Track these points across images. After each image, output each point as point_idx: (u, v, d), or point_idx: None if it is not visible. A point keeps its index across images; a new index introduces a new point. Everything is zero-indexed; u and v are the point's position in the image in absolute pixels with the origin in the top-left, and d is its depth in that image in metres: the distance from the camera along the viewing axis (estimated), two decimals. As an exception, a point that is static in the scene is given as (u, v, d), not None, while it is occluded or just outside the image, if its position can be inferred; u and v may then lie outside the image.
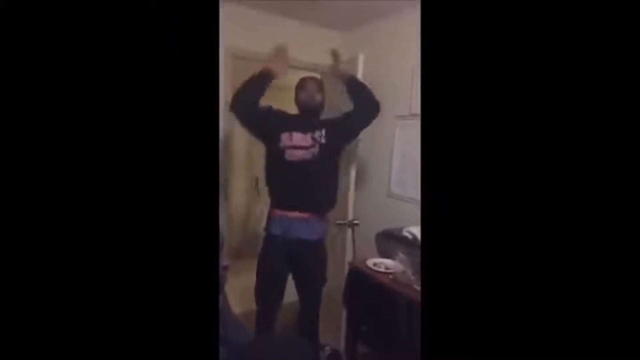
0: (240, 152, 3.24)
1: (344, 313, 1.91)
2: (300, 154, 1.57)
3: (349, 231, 2.03)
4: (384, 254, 1.69)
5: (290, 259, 1.66)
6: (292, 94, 1.70)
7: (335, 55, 1.69)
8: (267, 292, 1.69)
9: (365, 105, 1.63)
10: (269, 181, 1.69)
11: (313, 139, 1.58)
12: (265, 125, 1.62)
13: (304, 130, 1.59)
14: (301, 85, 1.67)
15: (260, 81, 1.57)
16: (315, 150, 1.57)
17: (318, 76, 1.84)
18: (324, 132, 1.59)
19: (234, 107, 1.58)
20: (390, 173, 2.10)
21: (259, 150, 1.86)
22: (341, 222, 2.03)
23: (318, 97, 1.66)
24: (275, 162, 1.63)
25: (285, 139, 1.59)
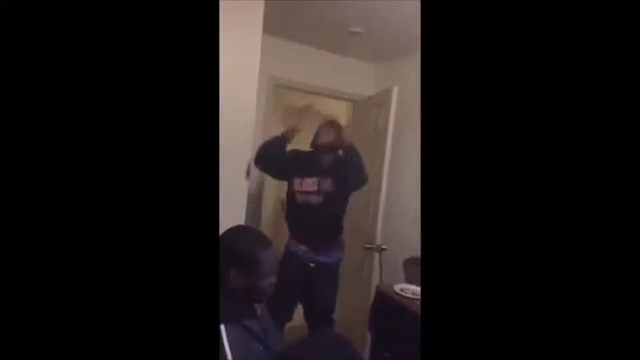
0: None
1: (369, 337, 1.91)
2: (307, 199, 1.71)
3: (377, 255, 2.06)
4: (411, 280, 1.72)
5: (303, 278, 1.73)
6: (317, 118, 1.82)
7: (335, 125, 1.75)
8: (275, 305, 1.71)
9: (355, 175, 1.71)
10: (286, 217, 1.85)
11: (319, 186, 1.70)
12: (287, 171, 1.77)
13: (314, 174, 1.71)
14: (320, 128, 1.77)
15: (285, 138, 1.70)
16: (320, 198, 1.69)
17: (338, 121, 1.88)
18: (329, 181, 1.69)
19: (259, 161, 1.70)
20: (419, 200, 2.12)
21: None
22: (369, 245, 2.06)
23: (328, 139, 1.72)
24: (289, 202, 1.80)
25: (296, 184, 1.73)
